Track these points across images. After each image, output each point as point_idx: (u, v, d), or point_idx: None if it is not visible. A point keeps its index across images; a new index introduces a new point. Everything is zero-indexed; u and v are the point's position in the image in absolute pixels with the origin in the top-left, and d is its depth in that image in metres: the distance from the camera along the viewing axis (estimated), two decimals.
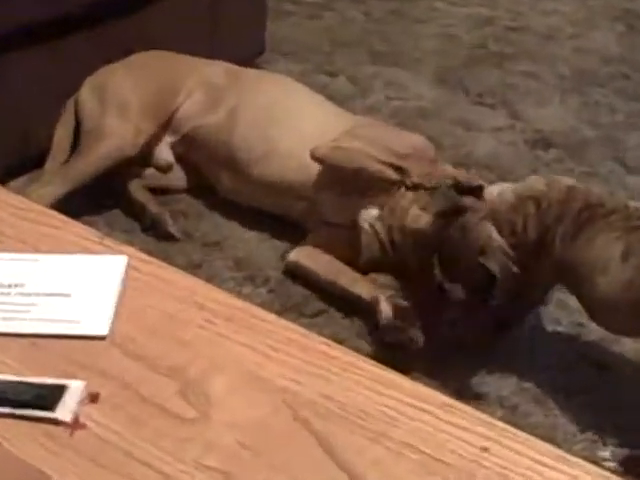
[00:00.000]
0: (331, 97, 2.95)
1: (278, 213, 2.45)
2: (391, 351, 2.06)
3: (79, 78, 2.55)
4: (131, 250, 1.29)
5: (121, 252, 1.27)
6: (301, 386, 1.09)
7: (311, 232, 2.36)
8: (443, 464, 1.00)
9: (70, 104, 2.54)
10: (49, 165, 2.50)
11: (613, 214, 1.98)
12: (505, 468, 1.00)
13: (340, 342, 2.06)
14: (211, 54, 2.71)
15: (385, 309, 2.11)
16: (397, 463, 1.00)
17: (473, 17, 3.80)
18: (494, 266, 1.97)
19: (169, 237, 2.40)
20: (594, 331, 2.24)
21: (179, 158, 2.60)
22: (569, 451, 1.86)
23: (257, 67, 3.14)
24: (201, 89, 2.54)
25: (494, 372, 2.10)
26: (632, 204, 2.06)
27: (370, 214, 2.25)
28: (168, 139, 2.58)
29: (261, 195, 2.44)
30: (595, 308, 2.01)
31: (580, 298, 2.04)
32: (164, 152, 2.59)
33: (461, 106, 3.15)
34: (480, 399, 2.01)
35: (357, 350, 1.21)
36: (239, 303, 1.23)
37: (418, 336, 2.07)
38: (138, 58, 2.60)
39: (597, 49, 3.61)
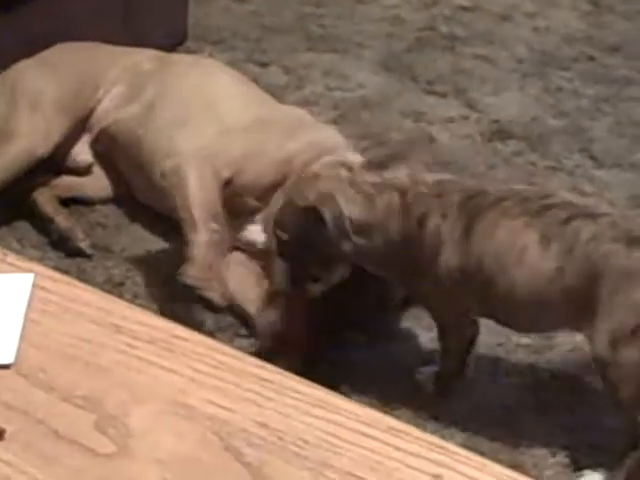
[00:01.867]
0: (263, 89, 2.98)
1: None
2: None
3: None
4: (39, 268, 1.30)
5: (27, 270, 1.28)
6: (232, 413, 1.10)
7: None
8: None
9: None
10: None
11: (504, 200, 1.95)
12: None
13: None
14: (125, 42, 2.72)
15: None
16: None
17: None
18: (326, 212, 1.97)
19: (80, 253, 2.40)
20: (564, 344, 2.29)
21: (99, 159, 2.61)
22: (540, 477, 1.93)
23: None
24: (123, 80, 2.56)
25: (451, 390, 2.13)
26: (519, 187, 2.09)
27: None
28: (86, 138, 2.59)
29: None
30: (512, 305, 1.95)
31: (490, 299, 1.98)
32: (82, 152, 2.60)
33: (409, 95, 3.18)
34: (436, 421, 2.04)
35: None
36: (161, 323, 1.24)
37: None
38: (53, 52, 2.60)
39: (559, 28, 3.67)
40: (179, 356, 1.18)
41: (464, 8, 3.77)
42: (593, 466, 1.94)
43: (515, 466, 1.93)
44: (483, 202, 1.96)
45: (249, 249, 2.33)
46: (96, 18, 2.76)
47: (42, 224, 2.51)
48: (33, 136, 2.47)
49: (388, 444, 1.08)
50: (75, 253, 2.41)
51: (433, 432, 1.97)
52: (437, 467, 1.05)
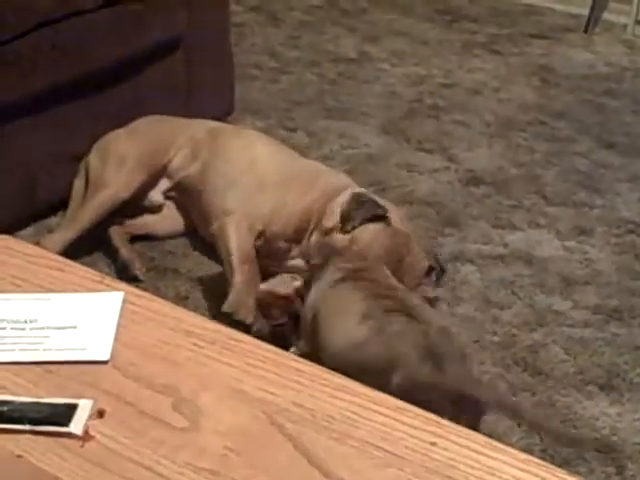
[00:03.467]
0: (291, 148, 3.00)
1: None
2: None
3: (76, 140, 2.57)
4: (127, 287, 1.31)
5: (118, 289, 1.29)
6: (276, 396, 1.11)
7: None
8: (399, 458, 1.03)
9: (82, 165, 2.58)
10: (67, 214, 2.56)
11: (369, 281, 1.89)
12: (452, 459, 1.03)
13: None
14: (188, 114, 2.74)
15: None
16: (361, 459, 1.03)
17: (411, 76, 3.85)
18: None
19: (135, 279, 2.39)
20: (525, 340, 2.28)
21: (175, 203, 2.64)
22: (512, 445, 1.91)
23: (228, 123, 3.18)
24: (187, 145, 2.57)
25: None
26: (397, 285, 1.96)
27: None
28: (163, 186, 2.60)
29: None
30: (325, 355, 1.79)
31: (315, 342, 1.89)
32: (156, 196, 2.61)
33: (404, 152, 3.18)
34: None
35: None
36: (221, 329, 1.25)
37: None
38: (137, 123, 2.63)
39: (517, 100, 3.67)
40: (235, 353, 1.19)
41: (444, 85, 3.78)
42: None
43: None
44: (357, 275, 1.93)
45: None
46: (164, 95, 2.78)
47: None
48: (117, 186, 2.50)
49: (395, 419, 1.08)
50: (132, 279, 2.37)
51: None
52: (433, 437, 1.06)
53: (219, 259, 2.41)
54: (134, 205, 2.58)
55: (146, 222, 2.62)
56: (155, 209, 2.64)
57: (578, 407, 2.05)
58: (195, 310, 2.29)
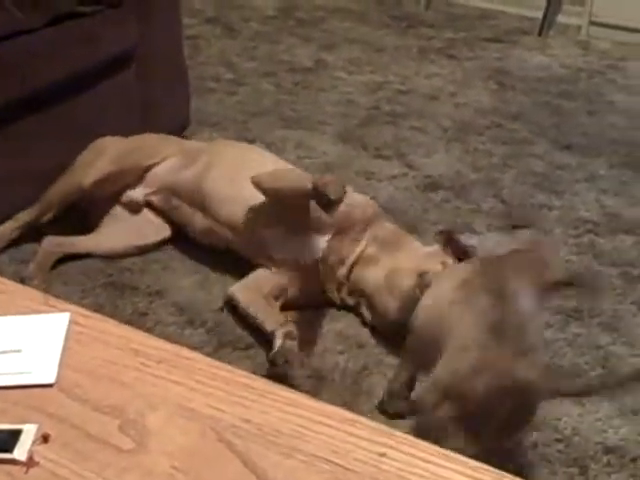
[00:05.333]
0: None
1: (234, 249, 2.47)
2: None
3: (30, 156, 2.56)
4: (74, 307, 1.29)
5: (65, 310, 1.27)
6: (224, 413, 1.10)
7: (258, 268, 2.38)
8: (348, 471, 1.02)
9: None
10: None
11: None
12: (402, 470, 1.03)
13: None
14: (143, 128, 2.73)
15: (278, 342, 2.08)
16: (309, 473, 1.02)
17: (368, 84, 3.86)
18: None
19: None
20: None
21: (154, 208, 2.64)
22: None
23: (185, 138, 3.16)
24: (178, 155, 2.61)
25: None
26: None
27: (320, 246, 2.32)
28: (143, 190, 2.62)
29: (227, 233, 2.46)
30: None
31: None
32: (136, 195, 2.63)
33: (362, 160, 3.18)
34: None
35: None
36: (169, 346, 1.24)
37: (299, 375, 2.05)
38: (135, 136, 2.69)
39: (473, 104, 3.69)
40: (183, 371, 1.17)
41: (401, 91, 3.79)
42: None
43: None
44: None
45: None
46: (118, 110, 2.76)
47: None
48: (84, 175, 2.54)
49: (344, 431, 1.08)
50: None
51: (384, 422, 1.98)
52: (383, 447, 1.05)
53: (178, 271, 2.41)
54: (109, 202, 2.61)
55: (79, 241, 2.59)
56: (134, 208, 2.64)
57: (540, 409, 2.05)
58: (155, 326, 2.28)
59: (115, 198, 2.64)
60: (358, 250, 2.34)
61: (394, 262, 2.29)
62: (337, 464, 1.02)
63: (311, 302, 2.35)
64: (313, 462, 1.03)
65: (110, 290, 2.43)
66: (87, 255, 2.55)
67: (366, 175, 3.06)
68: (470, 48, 4.33)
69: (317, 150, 3.23)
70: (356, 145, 3.28)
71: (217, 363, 1.20)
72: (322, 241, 2.33)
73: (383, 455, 1.04)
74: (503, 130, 3.45)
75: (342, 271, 2.33)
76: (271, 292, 2.31)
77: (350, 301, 2.35)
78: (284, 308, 2.31)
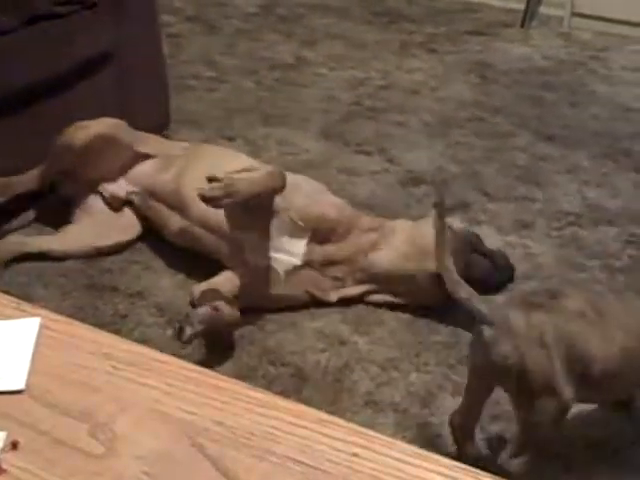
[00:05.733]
0: None
1: (210, 252, 2.45)
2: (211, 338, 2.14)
3: (6, 157, 2.54)
4: (44, 312, 1.28)
5: (36, 314, 1.26)
6: (196, 416, 1.09)
7: (230, 270, 2.37)
8: (321, 472, 1.01)
9: None
10: None
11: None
12: (375, 469, 1.02)
13: (251, 367, 2.10)
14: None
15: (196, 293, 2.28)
16: (282, 475, 1.01)
17: (349, 79, 3.85)
18: None
19: None
20: (469, 337, 2.27)
21: (136, 208, 2.65)
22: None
23: (165, 137, 3.14)
24: (158, 156, 2.63)
25: (385, 382, 2.11)
26: None
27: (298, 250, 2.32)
28: (126, 186, 2.64)
29: (202, 235, 2.44)
30: None
31: None
32: (117, 190, 2.64)
33: (343, 156, 3.17)
34: (374, 406, 2.02)
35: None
36: (142, 349, 1.22)
37: (226, 308, 2.14)
38: None
39: (455, 97, 3.68)
40: (155, 374, 1.16)
41: (382, 86, 3.78)
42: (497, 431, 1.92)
43: (436, 436, 1.92)
44: None
45: None
46: (96, 111, 2.73)
47: None
48: (77, 133, 2.56)
49: (316, 432, 1.06)
50: None
51: (371, 415, 1.97)
52: (355, 447, 1.04)
53: (157, 271, 2.41)
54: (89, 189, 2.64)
55: (41, 241, 2.58)
56: (113, 205, 2.62)
57: None
58: (136, 327, 2.27)
59: (93, 187, 2.64)
60: (353, 244, 2.35)
61: (399, 238, 2.38)
62: (310, 465, 1.01)
63: (273, 304, 2.35)
64: (286, 464, 1.01)
65: (90, 292, 2.42)
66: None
67: (347, 171, 3.05)
68: (452, 42, 4.32)
69: (299, 147, 3.22)
70: (337, 141, 3.27)
71: (189, 365, 1.19)
72: (299, 245, 2.33)
73: (356, 455, 1.03)
74: (485, 123, 3.45)
75: (338, 270, 2.35)
76: (231, 291, 2.29)
77: (354, 291, 2.37)
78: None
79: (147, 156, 2.65)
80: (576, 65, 4.07)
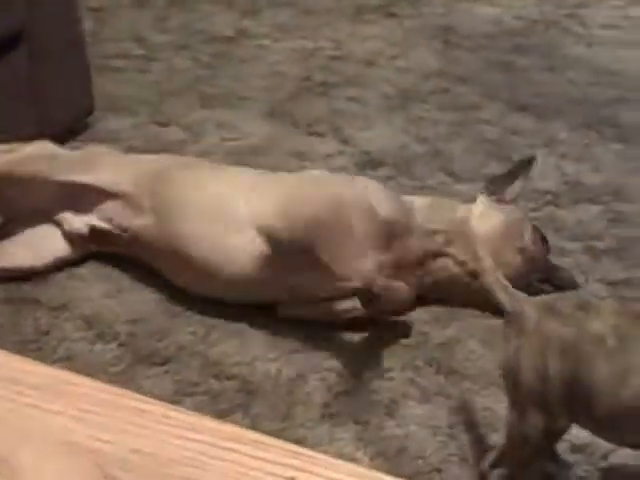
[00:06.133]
0: (165, 146, 2.97)
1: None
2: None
3: None
4: None
5: None
6: (111, 445, 1.07)
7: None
8: None
9: None
10: None
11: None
12: None
13: (193, 383, 2.09)
14: (35, 116, 2.68)
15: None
16: None
17: (297, 51, 3.84)
18: None
19: None
20: (436, 337, 2.28)
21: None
22: (425, 457, 1.90)
23: (88, 125, 3.12)
24: (121, 195, 2.46)
25: (344, 392, 2.10)
26: None
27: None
28: (89, 220, 2.49)
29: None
30: None
31: None
32: (76, 223, 2.50)
33: (293, 138, 3.16)
34: (332, 419, 2.02)
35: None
36: (53, 372, 1.20)
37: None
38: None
39: (417, 67, 3.68)
40: (66, 399, 1.14)
41: (335, 57, 3.77)
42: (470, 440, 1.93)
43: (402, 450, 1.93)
44: None
45: None
46: (6, 96, 2.70)
47: None
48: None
49: (249, 455, 1.05)
50: None
51: (333, 426, 1.96)
52: (292, 470, 1.03)
53: (84, 279, 2.39)
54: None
55: None
56: (73, 239, 2.51)
57: (499, 407, 2.04)
58: (60, 344, 2.25)
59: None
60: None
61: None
62: None
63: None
64: None
65: (8, 307, 2.39)
66: None
67: (298, 155, 3.05)
68: (411, 4, 4.31)
69: (242, 130, 3.21)
70: (286, 122, 3.27)
71: (104, 386, 1.17)
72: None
73: (293, 479, 1.02)
74: (450, 95, 3.45)
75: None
76: None
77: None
78: None
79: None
80: (550, 25, 4.08)
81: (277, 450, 1.06)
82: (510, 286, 1.73)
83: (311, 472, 1.03)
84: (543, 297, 1.80)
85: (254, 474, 1.03)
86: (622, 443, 1.73)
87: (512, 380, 1.69)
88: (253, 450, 1.06)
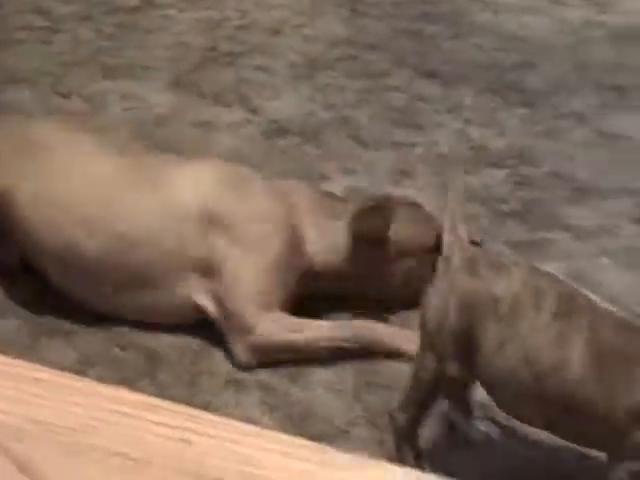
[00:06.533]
0: (67, 117, 2.94)
1: None
2: None
3: None
4: None
5: None
6: (8, 416, 1.08)
7: None
8: (146, 463, 1.02)
9: None
10: None
11: None
12: (206, 454, 1.03)
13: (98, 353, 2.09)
14: None
15: None
16: (99, 471, 1.01)
17: (203, 21, 3.83)
18: None
19: None
20: None
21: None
22: (332, 420, 1.94)
23: None
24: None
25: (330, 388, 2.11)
26: None
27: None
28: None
29: None
30: None
31: None
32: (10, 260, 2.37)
33: (198, 108, 3.16)
34: (236, 385, 2.04)
35: None
36: None
37: None
38: None
39: (324, 35, 3.70)
40: None
41: (241, 27, 3.77)
42: None
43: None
44: None
45: None
46: None
47: None
48: None
49: (143, 419, 1.07)
50: None
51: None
52: (186, 433, 1.05)
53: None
54: None
55: None
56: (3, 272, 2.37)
57: (403, 367, 2.08)
58: None
59: None
60: None
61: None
62: (132, 458, 1.02)
63: None
64: (106, 459, 1.02)
65: None
66: None
67: (203, 126, 3.06)
68: None
69: (146, 101, 3.20)
70: (191, 92, 3.27)
71: (4, 359, 1.18)
72: None
73: (186, 441, 1.04)
74: (358, 62, 3.49)
75: None
76: None
77: None
78: None
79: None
80: None
81: (172, 414, 1.08)
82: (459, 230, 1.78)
83: (205, 434, 1.05)
84: (476, 249, 1.85)
85: (148, 438, 1.05)
86: (508, 412, 1.74)
87: (421, 318, 1.74)
88: (147, 414, 1.08)
